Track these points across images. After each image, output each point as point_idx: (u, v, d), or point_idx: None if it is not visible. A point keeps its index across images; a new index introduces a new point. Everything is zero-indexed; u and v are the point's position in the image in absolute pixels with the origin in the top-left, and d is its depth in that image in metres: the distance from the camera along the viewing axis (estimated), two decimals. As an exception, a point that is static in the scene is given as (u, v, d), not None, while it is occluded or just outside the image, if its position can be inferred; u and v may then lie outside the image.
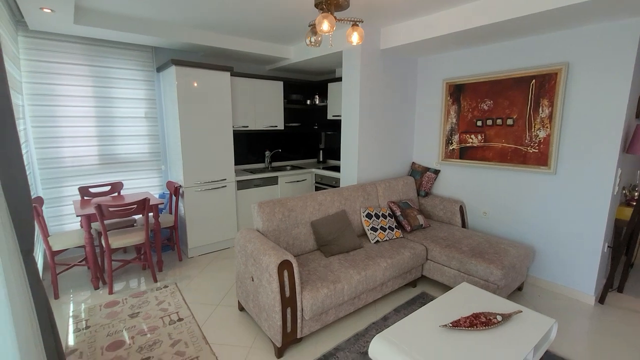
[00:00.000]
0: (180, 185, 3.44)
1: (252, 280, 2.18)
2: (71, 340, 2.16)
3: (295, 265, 1.97)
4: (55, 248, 2.69)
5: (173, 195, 3.54)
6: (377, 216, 3.00)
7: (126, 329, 2.28)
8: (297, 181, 4.40)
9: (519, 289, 2.84)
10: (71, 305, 2.60)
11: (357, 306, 2.37)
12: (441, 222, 3.39)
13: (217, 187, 3.63)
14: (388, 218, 3.04)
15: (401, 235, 2.99)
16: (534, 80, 2.78)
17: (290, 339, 2.01)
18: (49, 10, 2.42)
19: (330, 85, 4.41)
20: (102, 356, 2.02)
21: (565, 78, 2.60)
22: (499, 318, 1.79)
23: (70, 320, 2.40)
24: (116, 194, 3.46)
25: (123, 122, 3.56)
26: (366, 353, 2.06)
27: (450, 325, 1.73)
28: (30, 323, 1.24)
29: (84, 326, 2.32)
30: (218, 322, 2.39)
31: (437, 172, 3.63)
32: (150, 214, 3.49)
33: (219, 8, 2.71)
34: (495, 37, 2.82)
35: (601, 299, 2.65)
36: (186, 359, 1.99)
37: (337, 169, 4.28)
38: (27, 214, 1.29)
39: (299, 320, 2.02)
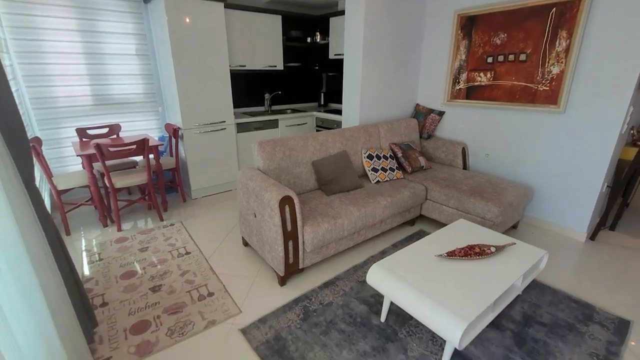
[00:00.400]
0: (178, 127, 3.38)
1: (255, 216, 2.24)
2: (87, 271, 2.30)
3: (296, 200, 2.01)
4: (60, 187, 2.73)
5: (172, 138, 3.50)
6: (379, 157, 2.99)
7: (137, 261, 2.41)
8: (298, 124, 4.31)
9: (514, 227, 2.93)
10: (83, 241, 2.72)
11: (357, 241, 2.47)
12: (442, 164, 3.38)
13: (217, 130, 3.57)
14: (389, 159, 3.03)
15: (402, 176, 3.01)
16: (554, 9, 2.55)
17: (292, 269, 2.12)
18: None
19: (332, 20, 4.09)
20: (116, 283, 2.16)
21: (589, 5, 2.38)
22: (493, 249, 1.86)
23: (84, 253, 2.52)
24: (114, 136, 3.42)
25: (114, 59, 3.38)
26: (364, 282, 2.19)
27: (446, 255, 1.81)
28: (42, 247, 1.29)
29: (97, 259, 2.45)
30: (224, 255, 2.51)
31: (441, 113, 3.53)
32: (151, 156, 3.48)
33: None
34: (516, -43, 2.52)
35: (592, 236, 2.74)
36: (195, 287, 2.13)
37: (339, 112, 4.16)
38: (22, 143, 1.27)
39: (300, 253, 2.11)
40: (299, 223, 2.05)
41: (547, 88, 2.70)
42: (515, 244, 1.95)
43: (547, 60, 2.66)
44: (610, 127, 2.45)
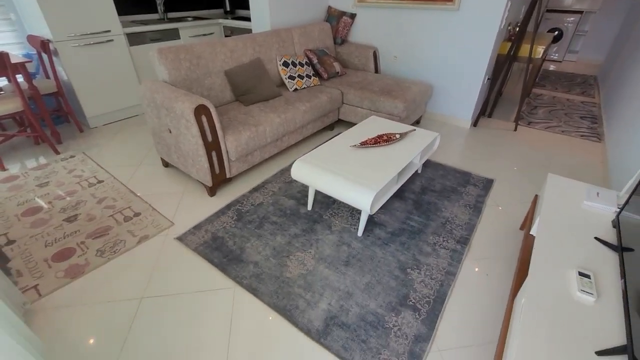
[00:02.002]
0: (48, 40, 2.73)
1: (170, 132, 2.11)
2: (-27, 215, 1.99)
3: (212, 108, 1.93)
4: None
5: (43, 54, 2.84)
6: (294, 64, 2.93)
7: (39, 197, 2.15)
8: (204, 34, 3.85)
9: (417, 122, 3.34)
10: (-45, 186, 2.27)
11: (281, 148, 2.56)
12: (356, 69, 3.49)
13: (102, 42, 2.98)
14: (305, 66, 3.00)
15: (319, 83, 3.05)
16: None
17: (220, 179, 2.16)
18: None
19: None
20: (19, 221, 1.94)
21: None
22: (398, 136, 2.14)
23: (-38, 199, 2.14)
24: (-46, 54, 2.62)
25: None
26: (291, 182, 2.36)
27: (359, 144, 2.03)
28: None
29: (-16, 201, 2.11)
30: (144, 178, 2.39)
31: (353, 16, 3.49)
32: (20, 78, 2.82)
33: None
34: None
35: (475, 123, 3.31)
36: (118, 210, 2.05)
37: (248, 19, 3.79)
38: None
39: (225, 162, 2.13)
40: (219, 132, 2.02)
41: (445, -16, 2.84)
42: (415, 130, 2.27)
43: (446, -47, 2.73)
44: (492, 23, 2.77)
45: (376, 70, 3.45)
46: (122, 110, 3.34)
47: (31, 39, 2.80)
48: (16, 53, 3.04)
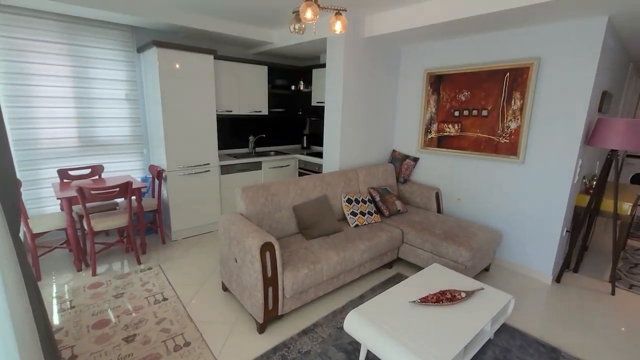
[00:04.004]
0: (163, 170, 3.44)
1: (236, 261, 2.27)
2: (56, 320, 2.21)
3: (277, 247, 2.07)
4: (35, 230, 2.68)
5: (156, 179, 3.54)
6: (357, 201, 3.13)
7: (111, 309, 2.34)
8: (281, 167, 4.46)
9: (486, 269, 3.06)
10: (54, 287, 2.62)
11: (336, 285, 2.51)
12: (418, 208, 3.56)
13: (201, 172, 3.65)
14: (368, 203, 3.17)
15: (380, 220, 3.14)
16: (508, 74, 2.91)
17: (271, 315, 2.13)
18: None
19: (315, 71, 4.42)
20: (88, 334, 2.08)
21: (537, 72, 2.75)
22: (463, 295, 1.96)
23: (54, 301, 2.43)
24: (97, 177, 3.43)
25: (103, 103, 3.49)
26: (342, 328, 2.21)
27: (419, 301, 1.89)
28: (22, 301, 1.29)
29: (69, 306, 2.36)
30: (202, 301, 2.48)
31: (416, 159, 3.77)
32: (133, 198, 3.48)
33: (201, -10, 2.67)
34: (474, 30, 2.92)
35: (558, 279, 2.90)
36: (172, 336, 2.09)
37: (321, 155, 4.36)
38: (13, 194, 1.32)
39: (280, 299, 2.14)
40: (279, 269, 2.10)
41: (508, 141, 2.99)
42: (483, 289, 2.07)
43: (506, 116, 2.98)
44: (564, 177, 2.72)
45: (439, 211, 3.46)
46: (200, 226, 3.78)
47: (151, 167, 3.56)
48: (137, 176, 3.85)
